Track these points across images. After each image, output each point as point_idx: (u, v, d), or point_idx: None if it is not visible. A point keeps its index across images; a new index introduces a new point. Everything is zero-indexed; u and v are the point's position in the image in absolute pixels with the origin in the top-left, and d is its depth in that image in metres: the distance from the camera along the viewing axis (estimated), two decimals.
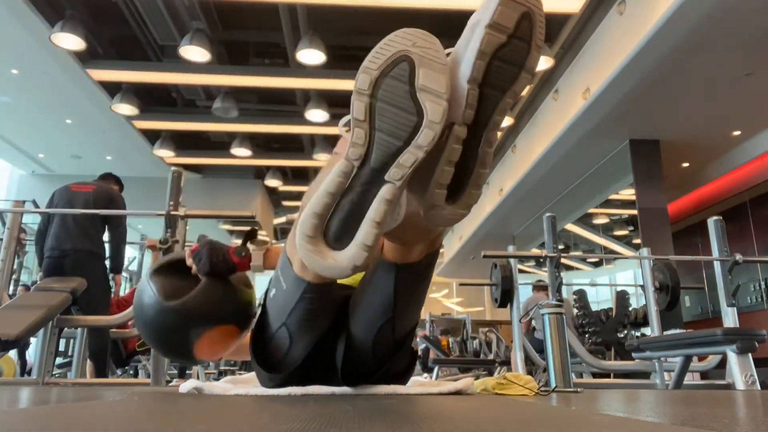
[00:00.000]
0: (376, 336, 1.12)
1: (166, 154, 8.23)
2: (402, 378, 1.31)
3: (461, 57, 0.76)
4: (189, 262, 1.31)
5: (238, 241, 1.35)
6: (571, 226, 9.85)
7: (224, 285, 1.32)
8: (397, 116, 0.73)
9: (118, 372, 4.09)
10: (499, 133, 0.76)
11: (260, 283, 1.41)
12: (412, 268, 1.06)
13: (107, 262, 3.62)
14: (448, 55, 0.77)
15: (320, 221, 0.73)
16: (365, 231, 0.70)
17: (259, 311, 1.26)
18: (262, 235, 1.25)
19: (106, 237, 3.64)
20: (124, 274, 4.32)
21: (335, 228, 0.73)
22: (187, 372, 5.06)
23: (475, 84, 0.74)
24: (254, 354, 1.23)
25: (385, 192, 0.71)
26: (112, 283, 3.68)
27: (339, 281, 1.23)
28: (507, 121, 7.28)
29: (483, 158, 0.78)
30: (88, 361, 3.43)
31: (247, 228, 1.38)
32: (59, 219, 3.53)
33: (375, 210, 0.70)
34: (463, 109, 0.73)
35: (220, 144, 8.66)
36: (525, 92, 6.83)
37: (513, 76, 0.76)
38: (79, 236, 3.46)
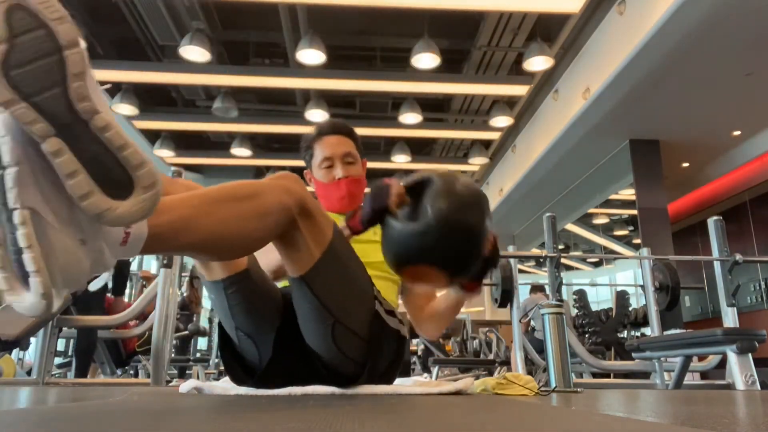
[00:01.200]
0: (334, 340, 1.11)
1: (166, 154, 8.23)
2: (395, 365, 1.30)
3: None
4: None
5: None
6: (571, 226, 9.85)
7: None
8: None
9: (118, 372, 4.09)
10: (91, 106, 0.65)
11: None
12: (316, 271, 1.05)
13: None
14: None
15: (8, 273, 0.66)
16: (27, 260, 0.63)
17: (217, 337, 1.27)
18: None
19: None
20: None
21: (19, 272, 0.66)
22: (187, 372, 5.05)
23: (17, 104, 0.62)
24: (234, 376, 1.22)
25: (17, 218, 0.63)
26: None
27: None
28: (507, 121, 7.28)
29: (112, 143, 0.66)
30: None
31: None
32: None
33: (21, 238, 0.63)
34: (33, 133, 0.63)
35: (220, 144, 8.66)
36: (525, 92, 6.84)
37: (54, 65, 0.64)
38: None
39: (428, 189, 1.15)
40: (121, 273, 3.85)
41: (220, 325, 1.21)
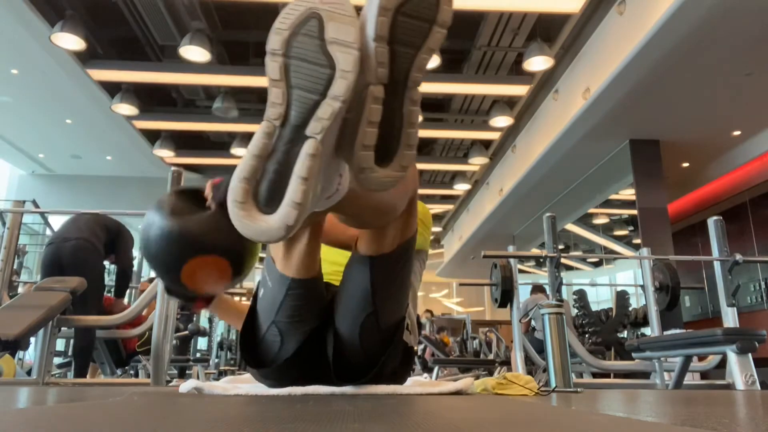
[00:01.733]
0: (361, 329, 1.13)
1: (166, 154, 8.23)
2: (399, 376, 1.31)
3: (366, 16, 0.76)
4: (207, 191, 1.30)
5: None
6: (571, 226, 9.85)
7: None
8: (311, 71, 0.73)
9: (118, 372, 4.09)
10: (420, 90, 0.78)
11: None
12: (386, 260, 1.08)
13: (105, 263, 3.69)
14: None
15: (249, 185, 0.73)
16: (293, 188, 0.69)
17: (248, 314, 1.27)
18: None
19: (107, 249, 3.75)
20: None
21: (265, 191, 0.72)
22: (187, 372, 5.06)
23: (383, 41, 0.73)
24: (245, 354, 1.24)
25: (308, 147, 0.70)
26: (110, 280, 3.75)
27: (326, 279, 1.25)
28: (507, 121, 7.28)
29: (409, 117, 0.76)
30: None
31: None
32: (69, 222, 3.66)
33: (300, 166, 0.69)
34: (374, 68, 0.72)
35: (220, 144, 8.66)
36: (525, 92, 6.84)
37: (424, 31, 0.75)
38: (84, 230, 3.53)
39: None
40: (125, 275, 3.88)
41: (253, 308, 1.23)
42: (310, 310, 1.16)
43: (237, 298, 4.27)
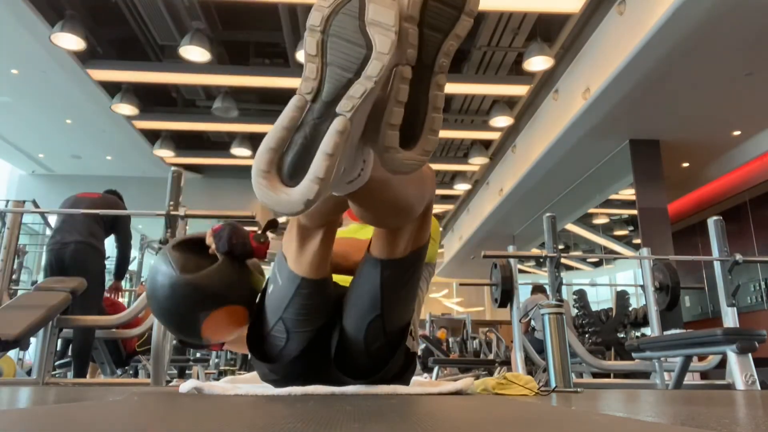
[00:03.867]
0: (366, 331, 1.14)
1: (166, 154, 8.23)
2: (401, 380, 1.31)
3: None
4: (209, 240, 1.32)
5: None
6: (571, 226, 9.85)
7: (240, 267, 1.34)
8: (348, 49, 0.74)
9: (118, 372, 4.09)
10: (445, 79, 0.81)
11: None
12: (397, 264, 1.09)
13: (107, 263, 3.69)
14: None
15: (274, 155, 0.73)
16: (318, 163, 0.70)
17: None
18: (283, 225, 1.26)
19: (107, 242, 3.73)
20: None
21: (290, 163, 0.73)
22: (187, 372, 5.06)
23: (413, 23, 0.74)
24: (251, 347, 1.25)
25: (336, 124, 0.71)
26: (108, 280, 3.77)
27: (335, 279, 1.25)
28: (507, 121, 7.28)
29: (434, 101, 0.78)
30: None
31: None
32: (66, 217, 3.61)
33: (327, 142, 0.70)
34: (405, 49, 0.74)
35: (220, 144, 8.66)
36: (525, 92, 6.84)
37: (452, 18, 0.77)
38: (83, 231, 3.52)
39: None
40: (125, 259, 3.91)
41: (261, 302, 1.24)
42: (318, 309, 1.17)
43: None
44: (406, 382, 1.34)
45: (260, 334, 1.24)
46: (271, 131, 0.75)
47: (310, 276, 1.11)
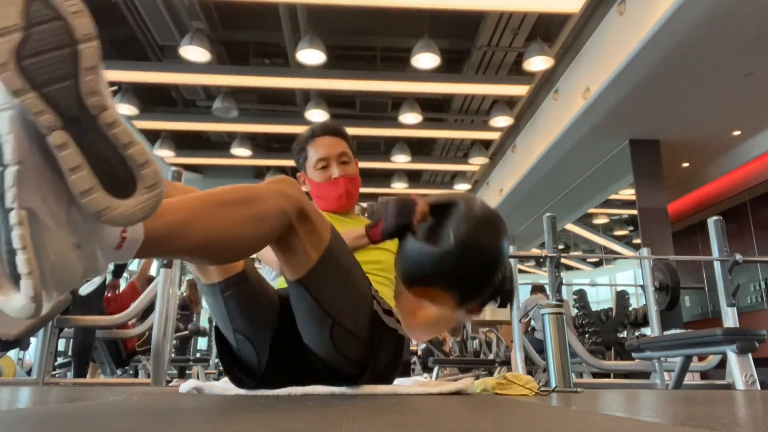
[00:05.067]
0: (333, 341, 1.11)
1: (166, 154, 8.22)
2: (394, 365, 1.29)
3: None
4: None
5: None
6: (571, 226, 9.86)
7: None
8: None
9: (118, 372, 4.09)
10: (114, 114, 0.67)
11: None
12: (314, 273, 1.05)
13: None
14: None
15: None
16: (20, 262, 0.62)
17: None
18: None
19: None
20: (124, 274, 4.38)
21: (8, 270, 0.64)
22: (187, 372, 5.06)
23: (27, 93, 0.62)
24: (231, 376, 1.22)
25: (12, 218, 0.62)
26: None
27: (370, 278, 1.25)
28: (507, 121, 7.28)
29: (119, 140, 0.66)
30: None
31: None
32: None
33: (15, 239, 0.62)
34: (36, 119, 0.63)
35: (220, 144, 8.65)
36: (525, 92, 6.84)
37: (67, 57, 0.65)
38: None
39: (452, 214, 1.16)
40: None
41: (217, 329, 1.21)
42: (258, 303, 1.15)
43: None
44: (398, 367, 1.32)
45: (233, 358, 1.21)
46: None
47: (224, 276, 1.09)
